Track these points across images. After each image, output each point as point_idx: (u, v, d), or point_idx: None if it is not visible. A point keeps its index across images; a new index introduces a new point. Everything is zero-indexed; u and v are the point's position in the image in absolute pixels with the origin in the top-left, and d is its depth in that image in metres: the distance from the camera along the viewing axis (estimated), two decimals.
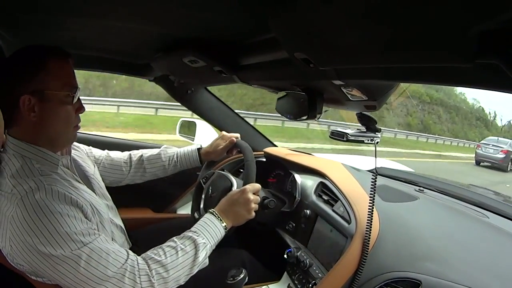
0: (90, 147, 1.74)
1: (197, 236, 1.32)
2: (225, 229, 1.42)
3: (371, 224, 1.30)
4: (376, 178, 1.33)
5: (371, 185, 1.32)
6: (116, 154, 1.85)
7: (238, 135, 1.91)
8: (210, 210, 1.46)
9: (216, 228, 1.39)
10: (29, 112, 1.18)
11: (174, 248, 1.27)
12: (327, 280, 1.33)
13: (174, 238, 1.32)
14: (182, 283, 1.28)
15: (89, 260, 1.09)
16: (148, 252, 1.26)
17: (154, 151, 1.89)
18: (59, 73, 1.22)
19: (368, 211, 1.31)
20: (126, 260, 1.16)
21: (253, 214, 1.51)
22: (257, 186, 1.57)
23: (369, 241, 1.30)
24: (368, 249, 1.29)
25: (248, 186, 1.53)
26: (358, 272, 1.28)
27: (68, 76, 1.25)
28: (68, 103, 1.24)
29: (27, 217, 1.06)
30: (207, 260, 1.35)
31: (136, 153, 1.88)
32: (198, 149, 1.92)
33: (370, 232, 1.30)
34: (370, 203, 1.31)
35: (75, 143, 1.56)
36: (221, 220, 1.42)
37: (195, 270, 1.30)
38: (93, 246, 1.11)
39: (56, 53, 1.23)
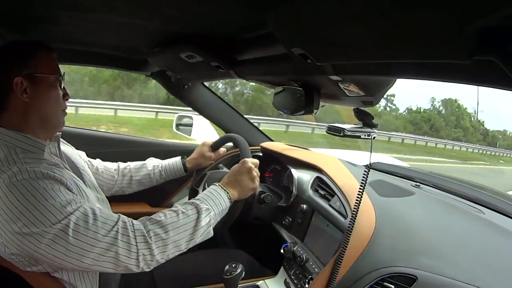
0: (82, 152, 1.74)
1: (200, 202, 1.32)
2: (230, 199, 1.42)
3: (355, 217, 1.31)
4: (368, 172, 1.33)
5: (363, 178, 1.33)
6: (108, 162, 1.87)
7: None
8: (215, 183, 1.46)
9: (220, 197, 1.39)
10: (21, 93, 1.22)
11: (175, 211, 1.26)
12: (323, 275, 1.33)
13: (176, 204, 1.31)
14: (184, 249, 1.26)
15: (76, 228, 1.08)
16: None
17: (141, 162, 1.93)
18: (47, 61, 1.29)
19: (355, 205, 1.31)
20: (117, 222, 1.15)
21: (257, 183, 1.53)
22: (255, 160, 1.59)
23: (350, 233, 1.30)
24: (348, 239, 1.30)
25: (247, 158, 1.56)
26: (336, 268, 1.29)
27: (55, 65, 1.32)
28: (57, 87, 1.30)
29: (12, 198, 1.06)
30: (211, 230, 1.33)
31: (123, 163, 1.91)
32: (183, 160, 1.95)
33: (353, 225, 1.30)
34: (358, 196, 1.31)
35: (66, 142, 1.56)
36: (225, 190, 1.42)
37: (198, 237, 1.28)
38: (78, 213, 1.10)
39: (43, 46, 1.29)
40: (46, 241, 1.06)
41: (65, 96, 1.35)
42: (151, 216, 1.23)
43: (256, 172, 1.54)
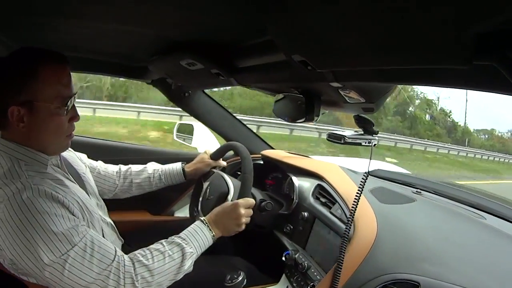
0: (83, 154, 1.75)
1: (186, 244, 1.34)
2: (213, 238, 1.44)
3: (351, 223, 1.33)
4: (366, 178, 1.34)
5: (360, 185, 1.33)
6: (109, 165, 1.89)
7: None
8: (201, 219, 1.47)
9: (204, 237, 1.40)
10: (18, 122, 1.17)
11: (162, 253, 1.28)
12: (325, 282, 1.32)
13: (163, 242, 1.33)
14: (165, 287, 1.30)
15: (73, 263, 1.11)
16: (136, 253, 1.27)
17: (141, 166, 1.95)
18: (51, 82, 1.18)
19: (351, 210, 1.32)
20: (112, 262, 1.18)
21: (243, 227, 1.53)
22: (251, 201, 1.59)
23: (347, 238, 1.32)
24: (345, 245, 1.31)
25: (241, 201, 1.55)
26: (336, 274, 1.29)
27: (61, 85, 1.21)
28: (60, 114, 1.22)
29: (15, 217, 1.07)
30: (191, 268, 1.36)
31: (125, 166, 1.93)
32: (183, 165, 1.98)
33: (349, 230, 1.33)
34: (354, 202, 1.32)
35: None
36: (210, 230, 1.43)
37: (179, 277, 1.32)
38: (77, 249, 1.12)
39: (50, 59, 1.19)
40: (39, 271, 1.09)
41: (74, 118, 1.28)
42: (140, 258, 1.25)
43: (247, 214, 1.55)
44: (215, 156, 2.01)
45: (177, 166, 1.96)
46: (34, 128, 1.20)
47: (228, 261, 1.79)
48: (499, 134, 32.88)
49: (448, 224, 1.46)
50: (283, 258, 1.67)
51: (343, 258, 1.29)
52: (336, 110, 1.52)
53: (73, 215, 1.18)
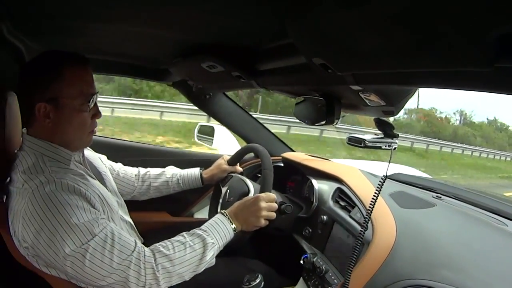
0: (103, 156, 1.79)
1: (207, 235, 1.34)
2: (234, 231, 1.44)
3: (367, 224, 1.31)
4: (384, 181, 1.33)
5: (377, 188, 1.32)
6: (128, 167, 1.93)
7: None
8: (222, 211, 1.48)
9: (226, 229, 1.41)
10: (44, 118, 1.23)
11: (183, 244, 1.29)
12: (343, 286, 1.32)
13: (184, 234, 1.34)
14: (187, 279, 1.30)
15: (94, 253, 1.13)
16: (157, 244, 1.29)
17: (160, 169, 1.99)
18: (75, 81, 1.26)
19: (367, 212, 1.31)
20: (132, 252, 1.19)
21: (262, 222, 1.52)
22: (272, 196, 1.58)
23: (361, 240, 1.30)
24: (358, 245, 1.29)
25: (262, 195, 1.55)
26: (347, 274, 1.27)
27: (84, 84, 1.29)
28: (83, 110, 1.28)
29: (38, 209, 1.11)
30: (214, 260, 1.36)
31: (144, 169, 1.97)
32: (201, 171, 2.01)
33: (363, 232, 1.31)
34: (371, 204, 1.31)
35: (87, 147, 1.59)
36: (231, 222, 1.44)
37: (201, 269, 1.32)
38: (98, 239, 1.15)
39: (73, 60, 1.26)
40: (61, 261, 1.12)
41: (96, 115, 1.34)
42: (161, 248, 1.27)
43: (268, 208, 1.54)
44: (232, 161, 2.04)
45: (195, 171, 1.99)
46: (59, 124, 1.26)
47: (246, 264, 1.80)
48: (440, 115, 29.20)
49: (468, 230, 1.44)
50: (301, 261, 1.66)
51: (356, 259, 1.28)
52: (356, 113, 1.52)
53: (94, 208, 1.21)
